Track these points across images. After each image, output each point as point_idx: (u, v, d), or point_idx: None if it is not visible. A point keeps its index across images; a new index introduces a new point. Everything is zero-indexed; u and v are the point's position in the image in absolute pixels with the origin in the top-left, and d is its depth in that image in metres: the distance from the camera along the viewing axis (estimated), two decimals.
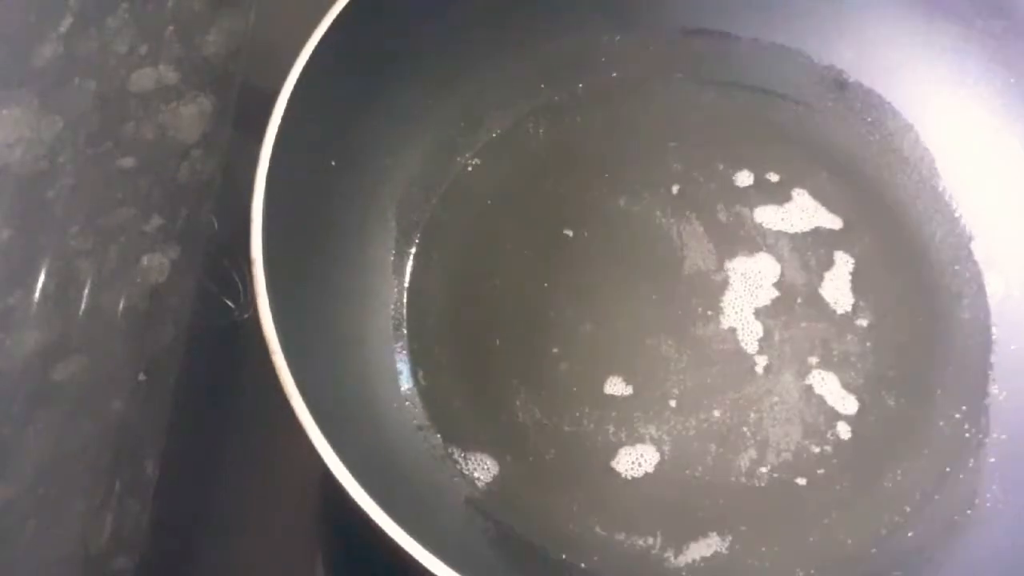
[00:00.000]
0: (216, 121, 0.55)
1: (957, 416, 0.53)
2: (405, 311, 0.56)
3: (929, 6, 0.58)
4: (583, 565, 0.50)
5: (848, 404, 0.53)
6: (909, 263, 0.57)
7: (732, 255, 0.57)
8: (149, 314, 0.50)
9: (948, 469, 0.52)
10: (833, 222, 0.58)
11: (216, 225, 0.55)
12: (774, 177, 0.60)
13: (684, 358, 0.55)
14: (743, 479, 0.52)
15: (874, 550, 0.50)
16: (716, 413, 0.53)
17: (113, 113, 0.49)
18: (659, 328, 0.55)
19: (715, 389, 0.54)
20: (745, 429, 0.53)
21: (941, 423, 0.53)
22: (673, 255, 0.57)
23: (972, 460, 0.52)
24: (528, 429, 0.53)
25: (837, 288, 0.57)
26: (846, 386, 0.54)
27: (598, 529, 0.50)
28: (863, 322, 0.55)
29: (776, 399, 0.54)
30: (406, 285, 0.56)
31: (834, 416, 0.53)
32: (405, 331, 0.55)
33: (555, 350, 0.55)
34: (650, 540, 0.50)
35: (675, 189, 0.59)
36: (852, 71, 0.61)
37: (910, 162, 0.60)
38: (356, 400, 0.51)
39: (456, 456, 0.52)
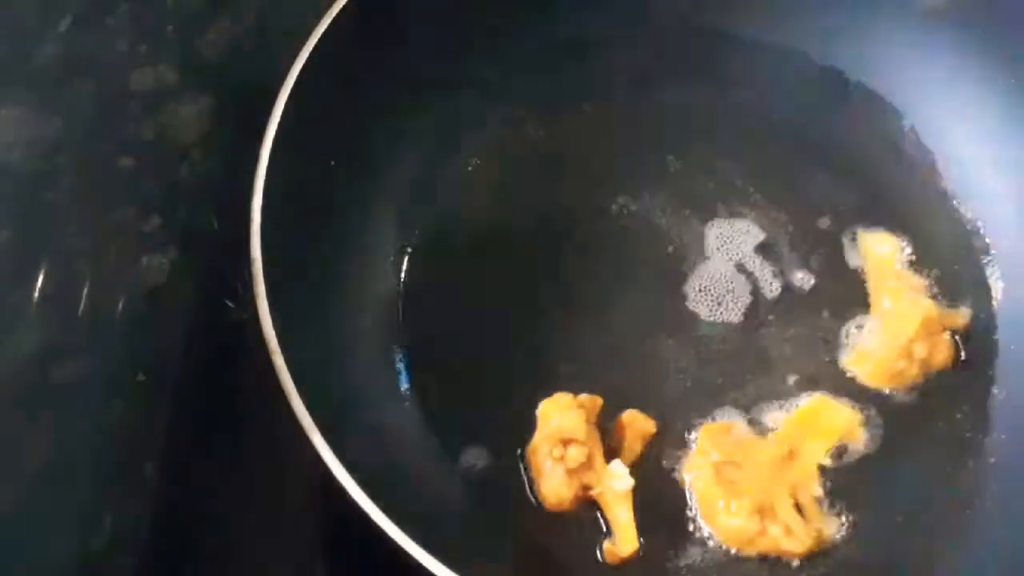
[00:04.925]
0: (216, 121, 0.55)
1: (958, 416, 0.53)
2: (404, 311, 0.56)
3: (930, 6, 0.58)
4: (585, 564, 0.50)
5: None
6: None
7: (733, 255, 0.57)
8: (149, 314, 0.50)
9: (948, 470, 0.52)
10: (834, 222, 0.58)
11: (216, 225, 0.55)
12: (774, 176, 0.60)
13: (684, 358, 0.55)
14: None
15: (876, 552, 0.50)
16: (717, 414, 0.53)
17: (113, 113, 0.49)
18: (659, 328, 0.55)
19: (716, 389, 0.54)
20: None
21: (942, 423, 0.53)
22: (673, 255, 0.57)
23: (972, 461, 0.52)
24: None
25: (838, 288, 0.57)
26: (847, 387, 0.54)
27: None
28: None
29: (777, 400, 0.54)
30: (405, 285, 0.56)
31: None
32: (405, 331, 0.55)
33: (555, 350, 0.55)
34: (650, 540, 0.50)
35: (675, 189, 0.59)
36: (853, 71, 0.61)
37: (911, 162, 0.60)
38: (355, 400, 0.51)
39: (456, 455, 0.52)
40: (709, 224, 0.58)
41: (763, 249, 0.58)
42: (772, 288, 0.56)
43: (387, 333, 0.55)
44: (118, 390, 0.48)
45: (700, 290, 0.56)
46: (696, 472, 0.51)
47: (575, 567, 0.50)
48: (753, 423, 0.53)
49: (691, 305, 0.56)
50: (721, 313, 0.56)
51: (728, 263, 0.57)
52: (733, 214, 0.58)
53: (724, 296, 0.56)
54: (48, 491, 0.43)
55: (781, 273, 0.57)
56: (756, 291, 0.56)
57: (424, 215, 0.58)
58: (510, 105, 0.61)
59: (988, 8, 0.57)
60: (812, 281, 0.57)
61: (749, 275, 0.57)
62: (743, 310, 0.56)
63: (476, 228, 0.58)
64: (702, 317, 0.56)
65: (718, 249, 0.57)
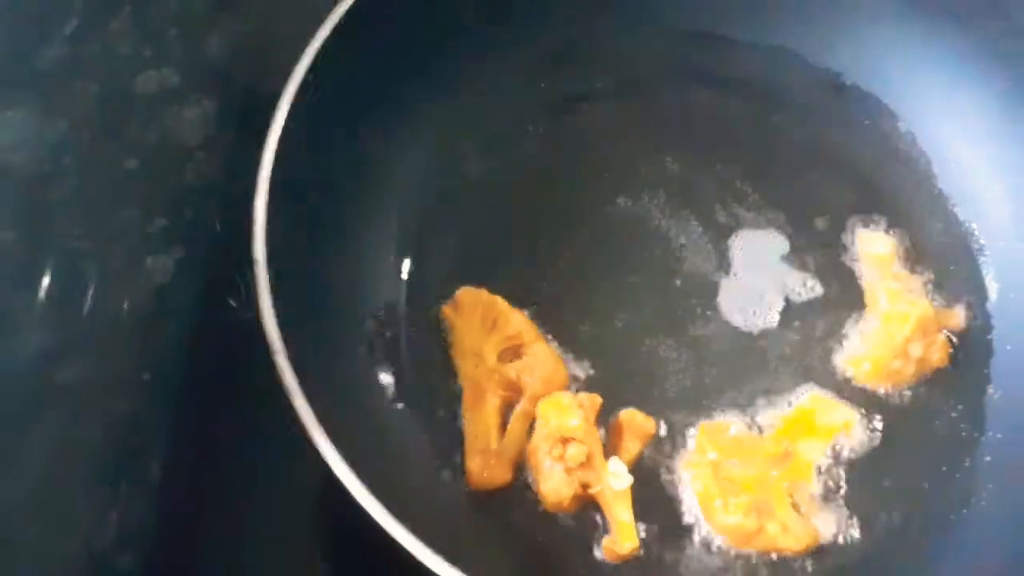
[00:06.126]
0: (219, 123, 0.55)
1: (954, 415, 0.54)
2: (405, 311, 0.56)
3: (927, 9, 0.58)
4: (584, 563, 0.50)
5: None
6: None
7: (731, 255, 0.58)
8: (153, 315, 0.50)
9: (944, 468, 0.53)
10: (831, 223, 0.59)
11: (219, 226, 0.56)
12: (772, 178, 0.60)
13: (683, 358, 0.55)
14: None
15: (873, 549, 0.50)
16: (716, 413, 0.53)
17: (117, 115, 0.49)
18: (658, 328, 0.56)
19: (714, 389, 0.54)
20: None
21: (938, 422, 0.54)
22: (672, 255, 0.58)
23: (968, 459, 0.53)
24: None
25: (835, 288, 0.57)
26: (844, 386, 0.54)
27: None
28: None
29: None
30: (406, 285, 0.57)
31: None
32: (406, 330, 0.55)
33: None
34: (649, 538, 0.50)
35: (674, 189, 0.59)
36: (849, 74, 0.62)
37: (908, 164, 0.60)
38: (357, 399, 0.51)
39: (456, 456, 0.52)
40: (708, 225, 0.58)
41: (762, 250, 0.58)
42: (771, 289, 0.57)
43: (389, 333, 0.55)
44: (123, 390, 0.49)
45: (699, 291, 0.57)
46: (694, 471, 0.51)
47: (575, 566, 0.50)
48: (751, 422, 0.53)
49: (690, 306, 0.56)
50: (720, 314, 0.56)
51: (727, 263, 0.57)
52: (732, 214, 0.59)
53: (723, 297, 0.56)
54: (54, 490, 0.44)
55: (781, 274, 0.57)
56: (755, 292, 0.57)
57: (424, 215, 0.58)
58: (510, 105, 0.61)
59: (985, 11, 0.57)
60: (809, 281, 0.57)
61: (748, 276, 0.57)
62: (742, 312, 0.56)
63: (476, 228, 0.58)
64: (701, 318, 0.56)
65: (717, 249, 0.58)
